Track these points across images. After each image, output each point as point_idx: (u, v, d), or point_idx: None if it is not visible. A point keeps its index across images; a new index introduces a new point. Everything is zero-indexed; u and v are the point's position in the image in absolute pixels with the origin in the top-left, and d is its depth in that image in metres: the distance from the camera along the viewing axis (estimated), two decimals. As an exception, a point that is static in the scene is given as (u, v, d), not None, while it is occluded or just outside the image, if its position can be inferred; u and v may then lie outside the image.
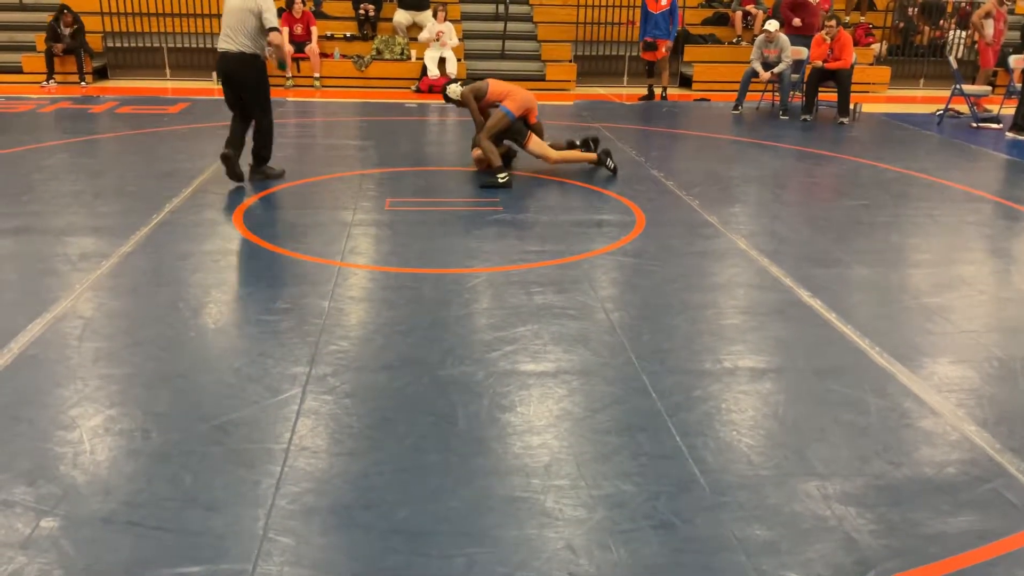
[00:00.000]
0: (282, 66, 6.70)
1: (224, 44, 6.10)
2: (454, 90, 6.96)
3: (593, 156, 6.90)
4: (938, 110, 10.50)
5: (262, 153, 6.42)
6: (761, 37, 10.36)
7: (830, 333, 3.78)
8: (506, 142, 6.90)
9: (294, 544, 2.30)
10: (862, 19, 14.18)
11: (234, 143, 6.18)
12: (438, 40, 11.83)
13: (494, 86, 6.83)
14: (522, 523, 2.41)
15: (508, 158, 7.08)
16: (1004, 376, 3.42)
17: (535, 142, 6.76)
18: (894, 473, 2.70)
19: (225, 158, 6.09)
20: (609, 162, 6.81)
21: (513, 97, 6.67)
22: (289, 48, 6.30)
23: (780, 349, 3.63)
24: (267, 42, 6.11)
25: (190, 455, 2.69)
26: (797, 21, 10.61)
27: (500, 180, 6.39)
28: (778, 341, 3.71)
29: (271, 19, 6.03)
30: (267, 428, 2.87)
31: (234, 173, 6.16)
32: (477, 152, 6.86)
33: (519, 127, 6.70)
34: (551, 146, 6.90)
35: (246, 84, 6.17)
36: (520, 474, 2.64)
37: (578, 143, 7.08)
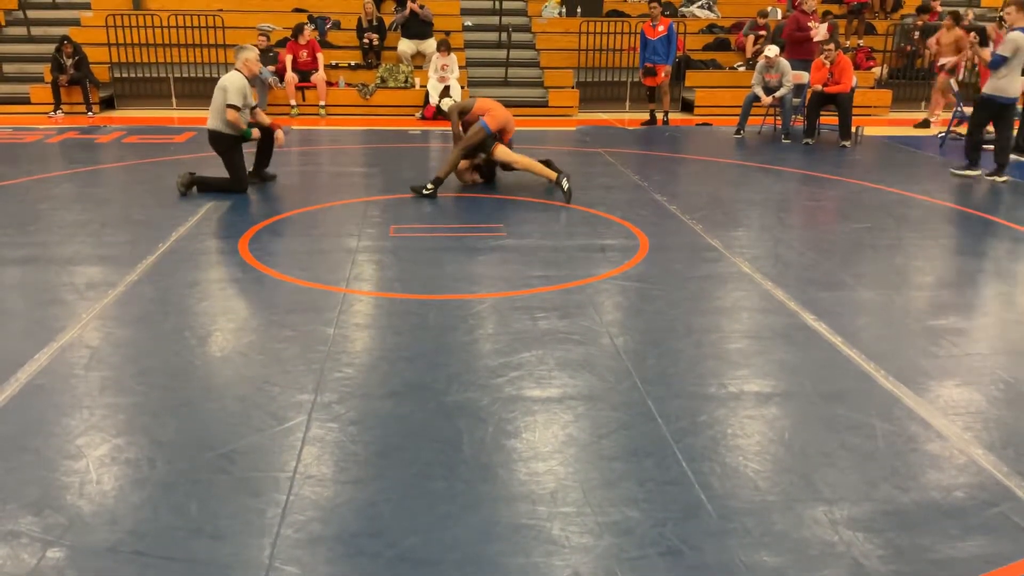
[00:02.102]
0: (247, 135, 6.91)
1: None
2: (447, 103, 7.52)
3: (553, 174, 6.97)
4: (940, 133, 10.55)
5: (211, 179, 6.94)
6: (762, 62, 10.44)
7: (835, 357, 3.78)
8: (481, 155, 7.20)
9: (300, 573, 2.29)
10: (860, 43, 14.28)
11: (256, 165, 7.33)
12: (443, 70, 11.96)
13: (479, 103, 7.15)
14: (528, 550, 2.40)
15: (490, 174, 7.38)
16: (1010, 399, 3.41)
17: (501, 150, 7.03)
18: (902, 498, 2.68)
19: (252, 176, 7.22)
20: (564, 183, 6.78)
21: (493, 114, 7.00)
22: (274, 125, 7.13)
23: (785, 373, 3.63)
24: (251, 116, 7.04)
25: (196, 484, 2.70)
26: (824, 30, 10.58)
27: (425, 191, 6.81)
28: (783, 365, 3.71)
29: (230, 97, 6.74)
30: (273, 456, 2.87)
31: (263, 178, 7.34)
32: (463, 164, 7.17)
33: (489, 142, 6.98)
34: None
35: (217, 154, 6.99)
36: (526, 501, 2.63)
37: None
